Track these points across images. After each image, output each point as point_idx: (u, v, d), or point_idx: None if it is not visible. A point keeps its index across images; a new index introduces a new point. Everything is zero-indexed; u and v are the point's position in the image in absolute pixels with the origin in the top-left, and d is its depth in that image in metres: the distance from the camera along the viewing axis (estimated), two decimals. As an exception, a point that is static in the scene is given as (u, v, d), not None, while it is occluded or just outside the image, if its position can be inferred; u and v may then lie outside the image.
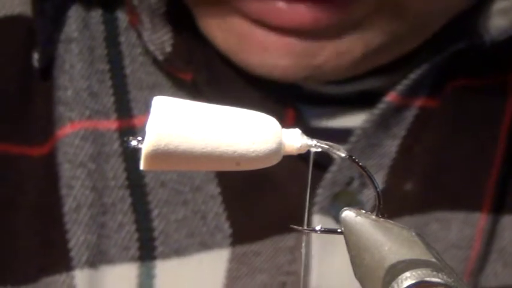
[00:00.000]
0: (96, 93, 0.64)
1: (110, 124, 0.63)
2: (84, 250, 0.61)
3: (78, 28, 0.64)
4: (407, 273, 0.35)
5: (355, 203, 0.64)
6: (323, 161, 0.63)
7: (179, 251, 0.62)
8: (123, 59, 0.65)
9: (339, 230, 0.38)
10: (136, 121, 0.63)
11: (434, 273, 0.35)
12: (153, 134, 0.36)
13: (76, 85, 0.63)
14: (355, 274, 0.37)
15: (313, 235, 0.62)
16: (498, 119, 0.65)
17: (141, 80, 0.64)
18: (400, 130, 0.65)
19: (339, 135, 0.64)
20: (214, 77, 0.64)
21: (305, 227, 0.40)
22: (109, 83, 0.64)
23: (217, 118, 0.37)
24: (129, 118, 0.64)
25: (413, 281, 0.35)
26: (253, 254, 0.63)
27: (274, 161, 0.37)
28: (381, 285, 0.35)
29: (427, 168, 0.65)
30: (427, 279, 0.35)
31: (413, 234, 0.37)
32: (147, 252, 0.62)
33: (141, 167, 0.37)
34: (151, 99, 0.65)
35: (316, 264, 0.62)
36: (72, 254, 0.61)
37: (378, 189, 0.38)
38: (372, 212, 0.38)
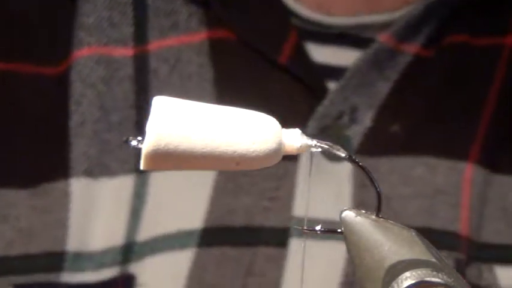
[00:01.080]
0: (116, 23, 0.67)
1: (126, 51, 0.67)
2: (83, 161, 0.65)
3: None
4: (407, 273, 0.35)
5: (342, 138, 0.66)
6: (317, 86, 0.66)
7: None
8: None
9: (339, 230, 0.38)
10: (150, 46, 0.67)
11: (434, 273, 0.35)
12: (153, 134, 0.36)
13: (99, 14, 0.67)
14: (355, 274, 0.37)
15: (299, 165, 0.65)
16: (490, 78, 0.67)
17: (159, 8, 0.68)
18: (394, 73, 0.67)
19: (335, 72, 0.66)
20: None
21: (305, 227, 0.40)
22: (130, 14, 0.68)
23: (217, 118, 0.37)
24: (144, 44, 0.67)
25: (413, 281, 0.35)
26: (241, 174, 0.65)
27: (274, 161, 0.37)
28: (380, 285, 0.35)
29: (417, 113, 0.67)
30: (427, 279, 0.35)
31: (413, 234, 0.37)
32: None
33: (141, 167, 0.37)
34: (167, 25, 0.67)
35: (300, 194, 0.65)
36: (72, 164, 0.65)
37: (379, 189, 0.38)
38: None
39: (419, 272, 0.35)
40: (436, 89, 0.68)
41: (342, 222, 0.38)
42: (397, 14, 0.68)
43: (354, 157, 0.38)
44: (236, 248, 0.65)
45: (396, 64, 0.67)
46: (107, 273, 0.64)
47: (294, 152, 0.38)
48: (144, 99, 0.66)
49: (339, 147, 0.38)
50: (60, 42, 0.67)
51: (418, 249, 0.36)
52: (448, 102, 0.68)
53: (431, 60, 0.67)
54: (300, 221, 0.65)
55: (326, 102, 0.66)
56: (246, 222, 0.65)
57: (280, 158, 0.37)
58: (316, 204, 0.64)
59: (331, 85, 0.67)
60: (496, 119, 0.67)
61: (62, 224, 0.65)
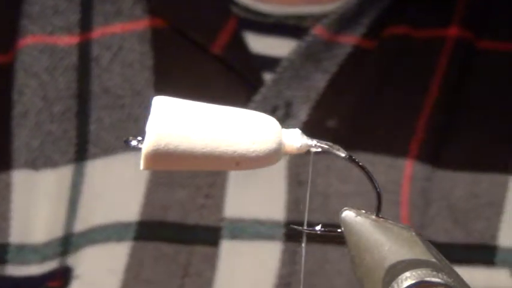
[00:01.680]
0: (62, 11, 0.67)
1: (71, 39, 0.67)
2: (25, 152, 0.65)
3: None
4: (407, 273, 0.35)
5: None
6: (253, 77, 0.65)
7: (107, 151, 0.65)
8: None
9: (339, 230, 0.38)
10: (94, 34, 0.67)
11: (434, 273, 0.35)
12: (153, 134, 0.36)
13: (43, 2, 0.67)
14: (355, 274, 0.37)
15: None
16: (431, 71, 0.66)
17: None
18: (331, 65, 0.66)
19: (274, 63, 0.65)
20: None
21: (305, 227, 0.40)
22: (78, 1, 0.68)
23: (217, 118, 0.37)
24: (88, 31, 0.67)
25: (413, 281, 0.35)
26: None
27: (274, 161, 0.37)
28: (381, 285, 0.35)
29: (354, 108, 0.66)
30: (427, 279, 0.35)
31: (413, 234, 0.37)
32: (81, 154, 0.66)
33: (141, 167, 0.37)
34: (111, 11, 0.67)
35: (231, 192, 0.64)
36: (14, 155, 0.65)
37: (379, 190, 0.38)
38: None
39: (419, 272, 0.35)
40: (375, 82, 0.66)
41: (342, 222, 0.38)
42: (334, 5, 0.66)
43: (354, 157, 0.38)
44: (172, 245, 0.64)
45: (333, 56, 0.66)
46: (49, 265, 0.64)
47: (294, 152, 0.38)
48: (84, 88, 0.66)
49: (339, 147, 0.38)
50: (5, 32, 0.67)
51: (418, 249, 0.36)
52: (387, 95, 0.66)
53: (370, 52, 0.66)
54: (231, 222, 0.64)
55: (258, 97, 0.65)
56: (181, 219, 0.64)
57: (280, 158, 0.37)
58: (248, 204, 0.64)
59: (268, 76, 0.66)
60: (437, 113, 0.66)
61: (3, 216, 0.65)
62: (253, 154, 0.37)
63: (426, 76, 0.66)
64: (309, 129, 0.63)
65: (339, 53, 0.66)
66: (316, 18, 0.66)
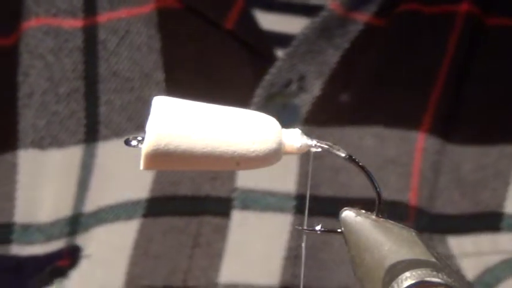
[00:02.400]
0: None
1: (75, 22, 0.68)
2: (31, 132, 0.66)
3: None
4: (407, 273, 0.35)
5: (290, 106, 0.66)
6: (265, 53, 0.66)
7: (118, 133, 0.66)
8: None
9: (339, 230, 0.38)
10: (100, 18, 0.68)
11: (434, 273, 0.35)
12: (153, 134, 0.36)
13: None
14: (355, 274, 0.37)
15: None
16: (442, 46, 0.67)
17: None
18: (344, 42, 0.67)
19: (284, 40, 0.66)
20: None
21: (305, 227, 0.40)
22: None
23: (217, 118, 0.37)
24: (93, 16, 0.68)
25: (413, 281, 0.35)
26: None
27: (274, 161, 0.37)
28: (381, 285, 0.35)
29: (366, 82, 0.67)
30: (427, 279, 0.35)
31: (414, 234, 0.37)
32: (91, 135, 0.67)
33: (141, 167, 0.37)
34: None
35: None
36: (19, 135, 0.66)
37: (378, 190, 0.38)
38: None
39: (419, 272, 0.35)
40: (387, 57, 0.67)
41: (342, 222, 0.38)
42: None
43: (353, 157, 0.38)
44: (182, 218, 0.65)
45: (346, 32, 0.66)
46: (55, 245, 0.65)
47: (294, 152, 0.38)
48: (92, 70, 0.67)
49: (339, 147, 0.38)
50: (8, 14, 0.68)
51: (418, 249, 0.36)
52: (399, 71, 0.67)
53: (382, 29, 0.67)
54: (243, 192, 0.65)
55: (273, 70, 0.66)
56: (192, 192, 0.65)
57: (280, 158, 0.37)
58: (262, 175, 0.65)
59: (279, 53, 0.66)
60: (449, 88, 0.67)
61: (8, 196, 0.65)
62: (253, 154, 0.37)
63: (438, 51, 0.67)
64: (322, 103, 0.66)
65: (352, 29, 0.67)
66: None
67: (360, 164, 0.38)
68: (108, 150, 0.66)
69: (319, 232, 0.40)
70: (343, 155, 0.38)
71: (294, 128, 0.63)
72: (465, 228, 0.66)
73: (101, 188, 0.65)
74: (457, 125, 0.67)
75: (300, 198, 0.64)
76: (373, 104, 0.67)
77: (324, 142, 0.38)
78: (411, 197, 0.65)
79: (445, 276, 0.35)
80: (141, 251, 0.64)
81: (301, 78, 0.66)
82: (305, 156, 0.64)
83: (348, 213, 0.38)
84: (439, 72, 0.67)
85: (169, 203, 0.65)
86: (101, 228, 0.65)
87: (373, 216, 0.38)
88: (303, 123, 0.66)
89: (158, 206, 0.65)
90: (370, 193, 0.65)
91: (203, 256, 0.64)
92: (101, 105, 0.67)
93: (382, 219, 0.37)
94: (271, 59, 0.66)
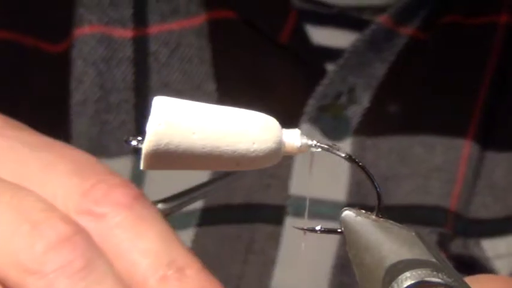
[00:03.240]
0: (116, 3, 0.68)
1: (126, 33, 0.67)
2: (84, 141, 0.66)
3: None
4: (407, 273, 0.35)
5: (341, 117, 0.67)
6: (315, 67, 0.67)
7: None
8: None
9: (339, 230, 0.38)
10: (150, 30, 0.68)
11: (434, 273, 0.35)
12: (153, 134, 0.36)
13: None
14: (355, 274, 0.37)
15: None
16: (485, 56, 0.69)
17: None
18: (390, 55, 0.68)
19: (332, 54, 0.67)
20: None
21: (305, 227, 0.40)
22: None
23: (217, 118, 0.37)
24: (143, 27, 0.68)
25: (413, 281, 0.35)
26: None
27: (274, 161, 0.37)
28: (381, 285, 0.35)
29: (413, 93, 0.68)
30: (427, 279, 0.35)
31: (414, 234, 0.37)
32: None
33: (141, 167, 0.37)
34: (168, 9, 0.67)
35: (296, 173, 0.66)
36: (72, 143, 0.65)
37: (379, 190, 0.38)
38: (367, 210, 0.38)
39: (419, 272, 0.35)
40: (431, 69, 0.69)
41: (342, 222, 0.38)
42: None
43: (353, 157, 0.38)
44: (236, 226, 0.65)
45: (393, 46, 0.68)
46: None
47: (294, 152, 0.38)
48: (143, 81, 0.67)
49: (339, 147, 0.38)
50: (60, 20, 0.67)
51: (418, 249, 0.36)
52: (444, 81, 0.69)
53: (426, 42, 0.68)
54: (296, 199, 0.66)
55: (325, 81, 0.67)
56: (246, 200, 0.66)
57: (280, 158, 0.37)
58: (313, 184, 0.65)
59: (329, 66, 0.67)
60: (492, 96, 0.68)
61: None
62: (253, 154, 0.37)
63: (481, 61, 0.68)
64: (372, 114, 0.67)
65: (398, 43, 0.68)
66: (374, 10, 0.68)
67: (360, 164, 0.38)
68: None
69: (319, 232, 0.40)
70: (343, 155, 0.38)
71: (345, 139, 0.64)
72: (498, 231, 0.67)
73: (154, 199, 0.66)
74: (493, 131, 0.69)
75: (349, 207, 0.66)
76: (421, 114, 0.68)
77: (324, 142, 0.38)
78: (452, 203, 0.67)
79: (445, 276, 0.35)
80: None
81: (351, 90, 0.67)
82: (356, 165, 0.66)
83: (348, 213, 0.38)
84: (482, 81, 0.68)
85: (223, 212, 0.66)
86: None
87: (373, 216, 0.38)
88: (354, 134, 0.67)
89: (212, 215, 0.66)
90: (416, 199, 0.67)
91: (257, 263, 0.65)
92: None
93: (382, 219, 0.37)
94: (322, 72, 0.67)
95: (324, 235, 0.64)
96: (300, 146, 0.38)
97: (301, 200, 0.66)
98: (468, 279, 0.36)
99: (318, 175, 0.66)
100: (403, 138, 0.67)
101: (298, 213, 0.66)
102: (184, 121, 0.36)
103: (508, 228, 0.68)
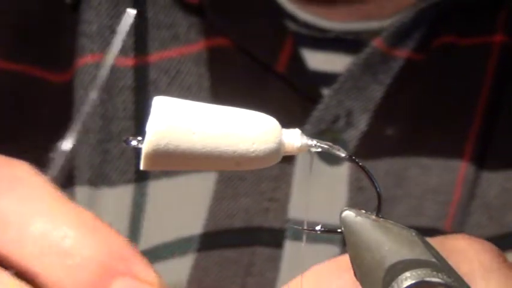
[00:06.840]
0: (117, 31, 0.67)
1: (127, 61, 0.68)
2: (87, 170, 0.66)
3: None
4: (407, 273, 0.35)
5: (339, 141, 0.67)
6: (312, 93, 0.67)
7: (168, 172, 0.67)
8: (145, 2, 0.69)
9: (339, 230, 0.38)
10: (150, 58, 0.68)
11: (434, 273, 0.35)
12: (153, 134, 0.36)
13: (101, 21, 0.68)
14: (355, 274, 0.37)
15: (296, 167, 0.66)
16: (481, 76, 0.69)
17: (160, 21, 0.69)
18: (387, 78, 0.68)
19: (328, 78, 0.68)
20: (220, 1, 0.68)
21: (305, 227, 0.40)
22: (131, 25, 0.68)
23: (217, 118, 0.37)
24: (144, 55, 0.68)
25: (413, 281, 0.35)
26: (239, 179, 0.66)
27: (274, 161, 0.37)
28: (381, 285, 0.35)
29: (410, 115, 0.68)
30: (427, 279, 0.35)
31: (414, 234, 0.37)
32: (141, 174, 0.67)
33: (141, 167, 0.37)
34: (167, 37, 0.68)
35: (295, 196, 0.66)
36: (76, 172, 0.66)
37: (378, 190, 0.38)
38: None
39: (419, 272, 0.35)
40: (427, 90, 0.69)
41: (342, 222, 0.38)
42: (388, 22, 0.69)
43: (354, 157, 0.38)
44: (235, 249, 0.65)
45: (389, 68, 0.68)
46: None
47: (294, 152, 0.38)
48: (143, 110, 0.67)
49: (339, 147, 0.38)
50: (67, 51, 0.68)
51: (418, 249, 0.36)
52: (440, 102, 0.69)
53: (421, 63, 0.68)
54: (295, 223, 0.66)
55: (321, 106, 0.67)
56: (245, 223, 0.66)
57: (280, 158, 0.37)
58: (311, 207, 0.65)
59: (325, 91, 0.68)
60: (488, 117, 0.68)
61: None
62: (253, 154, 0.37)
63: (476, 82, 0.69)
64: (369, 138, 0.67)
65: (394, 65, 0.68)
66: (372, 33, 0.69)
67: (360, 164, 0.38)
68: (159, 189, 0.66)
69: (319, 232, 0.40)
70: (343, 155, 0.38)
71: (343, 163, 0.64)
72: None
73: (155, 227, 0.66)
74: (491, 151, 0.69)
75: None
76: (417, 136, 0.68)
77: (324, 142, 0.38)
78: (447, 224, 0.67)
79: (445, 276, 0.35)
80: (195, 284, 0.65)
81: (349, 113, 0.68)
82: (354, 189, 0.66)
83: (348, 213, 0.38)
84: (478, 102, 0.68)
85: (223, 236, 0.66)
86: (156, 266, 0.65)
87: (373, 216, 0.38)
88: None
89: (212, 240, 0.66)
90: (411, 221, 0.66)
91: (255, 285, 0.65)
92: None
93: (382, 219, 0.37)
94: (318, 97, 0.67)
95: (321, 258, 0.64)
96: (300, 146, 0.38)
97: (300, 223, 0.66)
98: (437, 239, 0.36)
99: (317, 198, 0.66)
100: (399, 160, 0.67)
101: (297, 237, 0.66)
102: (185, 121, 0.36)
103: (503, 247, 0.67)
